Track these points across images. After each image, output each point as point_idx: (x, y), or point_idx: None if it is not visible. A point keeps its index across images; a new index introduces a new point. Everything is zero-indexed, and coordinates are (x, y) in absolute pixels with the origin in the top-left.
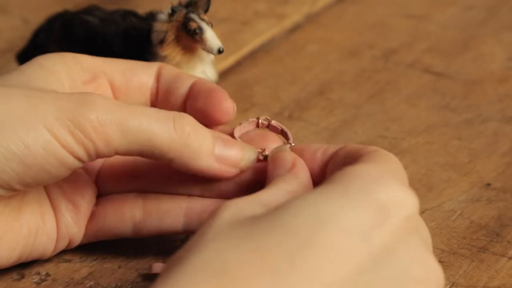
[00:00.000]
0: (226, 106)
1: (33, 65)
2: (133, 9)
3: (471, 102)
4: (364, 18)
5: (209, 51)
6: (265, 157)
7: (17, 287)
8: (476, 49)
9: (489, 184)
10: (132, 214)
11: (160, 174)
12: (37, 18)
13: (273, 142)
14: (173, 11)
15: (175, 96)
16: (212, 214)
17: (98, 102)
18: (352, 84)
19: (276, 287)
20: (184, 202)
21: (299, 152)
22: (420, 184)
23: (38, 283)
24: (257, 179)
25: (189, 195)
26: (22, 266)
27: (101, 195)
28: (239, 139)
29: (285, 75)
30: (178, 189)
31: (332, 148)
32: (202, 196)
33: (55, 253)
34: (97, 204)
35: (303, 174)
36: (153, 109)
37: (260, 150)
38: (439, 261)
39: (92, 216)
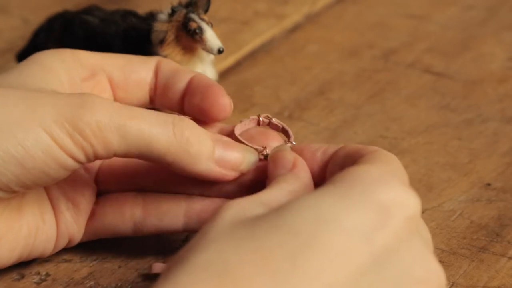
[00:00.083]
0: (223, 102)
1: (31, 63)
2: (133, 9)
3: (471, 102)
4: (364, 18)
5: (209, 51)
6: (266, 157)
7: (17, 287)
8: (476, 49)
9: (489, 184)
10: (132, 213)
11: (160, 173)
12: (37, 18)
13: (274, 140)
14: (173, 11)
15: (173, 91)
16: (214, 214)
17: (97, 105)
18: (352, 84)
19: (278, 287)
20: (184, 202)
21: (299, 152)
22: (420, 184)
23: (38, 283)
24: (257, 178)
25: (189, 194)
26: (22, 266)
27: (100, 194)
28: (239, 137)
29: (285, 75)
30: (178, 188)
31: (332, 148)
32: (202, 195)
33: (55, 251)
34: (96, 202)
35: (304, 174)
36: (153, 112)
37: (261, 149)
38: (439, 261)
39: (92, 215)
